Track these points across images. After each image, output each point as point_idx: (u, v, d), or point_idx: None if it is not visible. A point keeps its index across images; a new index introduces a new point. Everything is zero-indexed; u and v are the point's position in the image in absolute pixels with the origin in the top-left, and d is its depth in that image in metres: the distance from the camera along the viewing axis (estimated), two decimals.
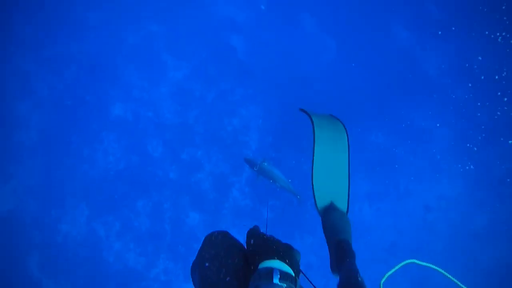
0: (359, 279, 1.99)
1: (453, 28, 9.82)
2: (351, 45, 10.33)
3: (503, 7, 9.46)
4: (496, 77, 9.58)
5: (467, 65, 10.13)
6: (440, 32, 9.98)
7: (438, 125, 10.43)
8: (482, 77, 10.01)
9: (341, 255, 2.26)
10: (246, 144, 10.12)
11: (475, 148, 10.20)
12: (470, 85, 10.02)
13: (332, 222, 2.56)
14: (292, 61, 10.22)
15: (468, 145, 10.17)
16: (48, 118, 9.50)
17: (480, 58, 9.82)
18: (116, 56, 9.74)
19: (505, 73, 9.52)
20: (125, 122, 9.77)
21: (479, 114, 10.06)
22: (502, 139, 10.20)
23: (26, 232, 9.18)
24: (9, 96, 9.28)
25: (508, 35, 9.55)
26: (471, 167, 10.33)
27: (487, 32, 9.68)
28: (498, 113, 9.82)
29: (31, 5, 9.25)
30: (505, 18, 9.49)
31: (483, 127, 10.23)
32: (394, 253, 10.33)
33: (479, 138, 10.15)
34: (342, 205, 2.77)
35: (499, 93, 9.91)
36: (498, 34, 9.58)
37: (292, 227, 9.94)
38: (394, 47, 10.32)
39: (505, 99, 9.74)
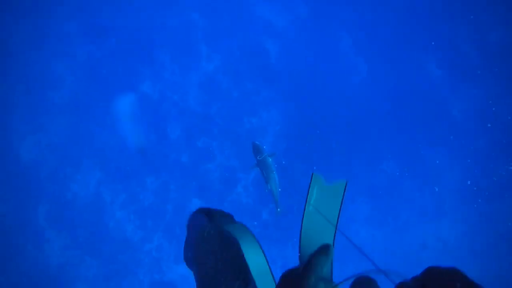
0: None
1: (479, 72, 9.88)
2: (381, 72, 10.55)
3: None
4: None
5: (496, 113, 10.19)
6: (473, 77, 10.08)
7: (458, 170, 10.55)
8: None
9: None
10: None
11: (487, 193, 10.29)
12: (491, 135, 10.10)
13: None
14: (321, 75, 10.55)
15: (476, 193, 10.29)
16: (81, 81, 10.21)
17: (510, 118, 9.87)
18: (155, 36, 10.34)
19: None
20: (151, 100, 10.38)
21: (494, 166, 10.14)
22: None
23: (41, 183, 9.97)
24: (49, 54, 10.02)
25: None
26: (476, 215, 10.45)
27: None
28: None
29: None
30: None
31: (495, 179, 10.33)
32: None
33: (490, 189, 10.24)
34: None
35: None
36: None
37: (288, 232, 10.33)
38: (423, 82, 10.47)
39: None
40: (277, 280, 1.27)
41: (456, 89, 10.57)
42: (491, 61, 10.13)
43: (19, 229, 9.91)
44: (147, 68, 10.39)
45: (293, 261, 1.26)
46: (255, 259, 1.57)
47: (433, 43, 10.30)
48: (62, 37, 10.03)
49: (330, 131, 10.48)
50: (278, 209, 7.15)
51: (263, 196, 10.39)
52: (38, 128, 10.03)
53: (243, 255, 1.36)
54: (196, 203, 10.26)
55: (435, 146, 10.59)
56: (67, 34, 10.06)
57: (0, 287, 9.86)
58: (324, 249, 1.17)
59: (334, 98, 10.58)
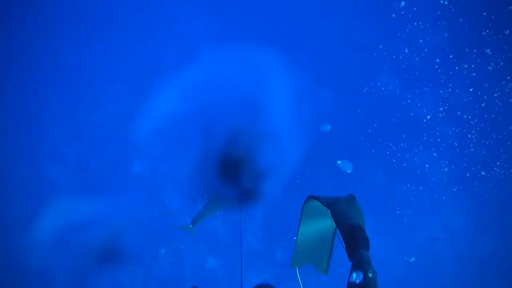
0: (370, 275, 2.10)
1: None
2: (346, 95, 11.92)
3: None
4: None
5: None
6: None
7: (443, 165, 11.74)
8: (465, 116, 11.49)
9: (352, 242, 2.34)
10: None
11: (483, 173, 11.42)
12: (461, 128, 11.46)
13: (339, 210, 2.58)
14: (294, 111, 11.81)
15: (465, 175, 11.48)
16: (75, 179, 11.15)
17: (465, 99, 11.31)
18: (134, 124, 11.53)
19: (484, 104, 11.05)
20: (143, 178, 11.35)
21: (472, 148, 11.40)
22: (496, 169, 11.51)
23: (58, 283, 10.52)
24: (41, 162, 11.06)
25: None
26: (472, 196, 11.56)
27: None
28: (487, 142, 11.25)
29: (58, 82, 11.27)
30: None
31: (477, 158, 11.55)
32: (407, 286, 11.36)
33: (474, 169, 11.45)
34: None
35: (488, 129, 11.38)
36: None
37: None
38: (385, 94, 11.88)
39: None
40: None
41: (413, 92, 12.03)
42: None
43: None
44: (134, 151, 11.44)
45: None
46: None
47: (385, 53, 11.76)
48: (50, 142, 11.10)
49: (311, 157, 11.48)
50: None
51: (273, 238, 11.20)
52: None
53: None
54: (211, 262, 10.96)
55: (413, 147, 11.83)
56: (54, 139, 11.15)
57: None
58: None
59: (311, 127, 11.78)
